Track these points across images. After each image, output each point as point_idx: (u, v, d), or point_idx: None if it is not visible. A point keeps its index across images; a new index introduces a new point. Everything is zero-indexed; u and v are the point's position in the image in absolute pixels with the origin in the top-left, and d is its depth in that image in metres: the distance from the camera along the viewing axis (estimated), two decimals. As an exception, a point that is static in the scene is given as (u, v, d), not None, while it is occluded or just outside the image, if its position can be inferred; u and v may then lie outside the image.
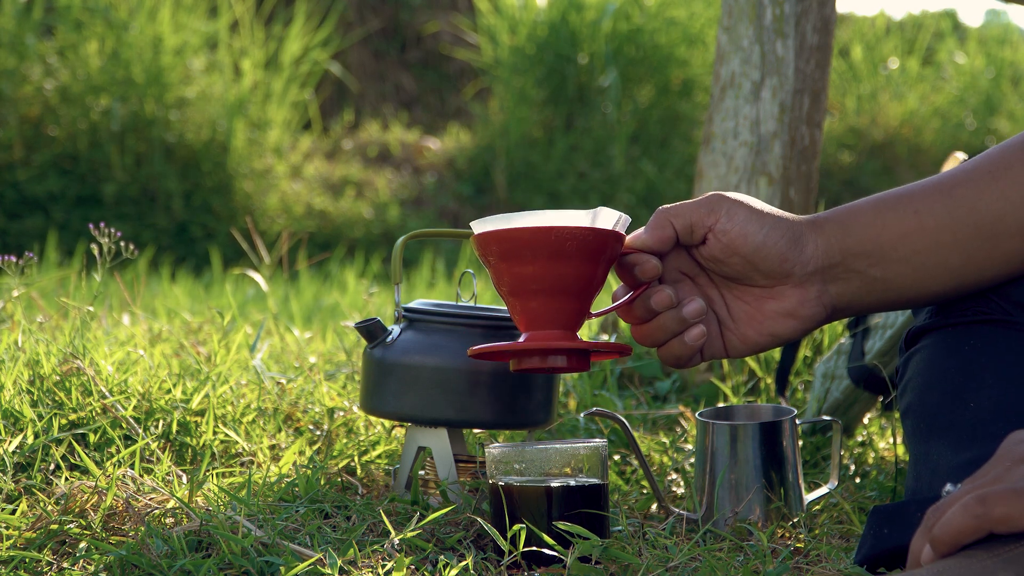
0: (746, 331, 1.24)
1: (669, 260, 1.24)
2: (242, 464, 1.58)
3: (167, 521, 1.28)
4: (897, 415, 1.75)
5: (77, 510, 1.28)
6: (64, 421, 1.54)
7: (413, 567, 1.17)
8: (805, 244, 1.21)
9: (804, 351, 2.00)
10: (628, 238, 1.22)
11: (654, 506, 1.48)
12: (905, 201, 1.21)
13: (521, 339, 1.22)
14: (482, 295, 3.74)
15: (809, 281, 1.22)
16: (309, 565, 1.12)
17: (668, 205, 1.22)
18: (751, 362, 2.00)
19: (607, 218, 1.20)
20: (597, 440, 1.24)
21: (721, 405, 1.57)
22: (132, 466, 1.45)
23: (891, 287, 1.21)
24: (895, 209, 1.21)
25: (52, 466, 1.45)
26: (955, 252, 1.20)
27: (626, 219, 1.22)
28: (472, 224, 1.22)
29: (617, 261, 1.22)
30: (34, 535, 1.23)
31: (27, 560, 1.17)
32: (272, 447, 1.63)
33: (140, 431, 1.55)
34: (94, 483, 1.30)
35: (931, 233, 1.20)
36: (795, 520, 1.41)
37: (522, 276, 1.19)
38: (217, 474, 1.48)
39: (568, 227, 1.18)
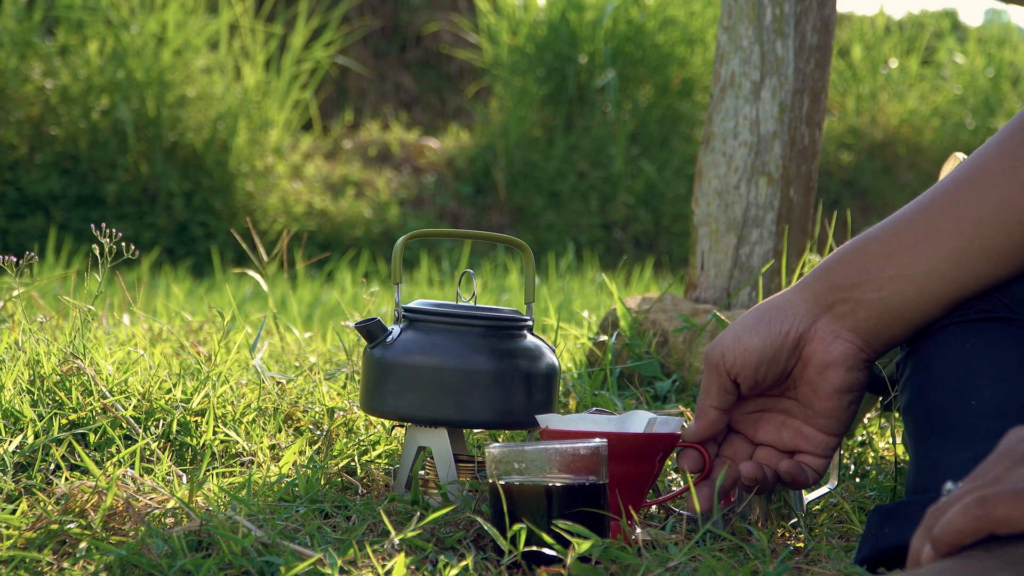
0: (817, 407, 1.29)
1: (734, 412, 1.34)
2: (242, 464, 1.58)
3: (167, 521, 1.28)
4: (897, 415, 1.75)
5: (77, 510, 1.28)
6: (64, 421, 1.54)
7: (413, 567, 1.17)
8: (786, 312, 1.27)
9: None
10: (684, 432, 1.34)
11: (654, 506, 1.48)
12: (887, 227, 1.26)
13: None
14: (482, 295, 3.74)
15: (816, 331, 1.27)
16: (309, 565, 1.12)
17: (701, 392, 1.32)
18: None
19: (662, 423, 1.35)
20: (597, 440, 1.24)
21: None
22: (132, 466, 1.45)
23: (897, 305, 1.24)
24: (876, 238, 1.26)
25: (52, 466, 1.45)
26: (943, 259, 1.23)
27: (678, 421, 1.36)
28: (539, 418, 1.39)
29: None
30: (34, 535, 1.23)
31: (27, 560, 1.18)
32: (272, 447, 1.63)
33: (140, 431, 1.55)
34: (94, 483, 1.30)
35: (914, 246, 1.24)
36: (795, 520, 1.41)
37: None
38: (217, 474, 1.48)
39: (614, 434, 1.32)
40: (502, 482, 1.23)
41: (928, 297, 1.24)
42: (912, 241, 1.23)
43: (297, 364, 2.12)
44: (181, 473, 1.47)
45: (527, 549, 1.19)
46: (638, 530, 1.34)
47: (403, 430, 1.62)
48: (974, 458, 1.09)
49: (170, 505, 1.30)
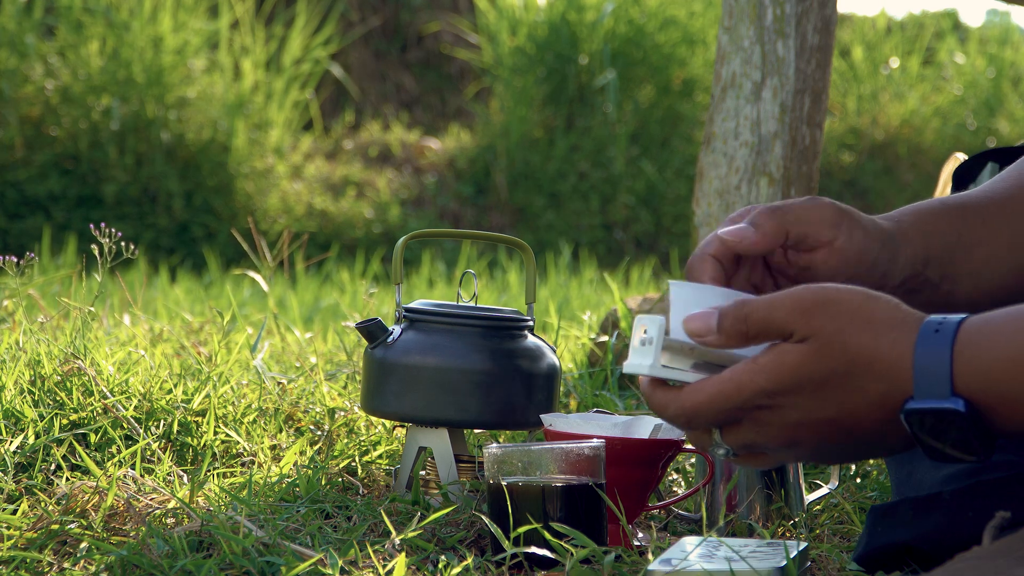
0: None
1: (743, 271, 1.12)
2: (243, 464, 1.58)
3: (168, 521, 1.28)
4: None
5: (78, 510, 1.28)
6: (65, 421, 1.54)
7: (414, 567, 1.17)
8: (898, 257, 1.12)
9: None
10: (731, 234, 1.09)
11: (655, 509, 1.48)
12: (971, 211, 1.14)
13: None
14: (482, 295, 3.74)
15: (892, 293, 1.11)
16: (310, 565, 1.12)
17: (779, 204, 1.10)
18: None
19: (667, 429, 1.36)
20: (597, 440, 1.24)
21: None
22: (133, 466, 1.45)
23: (951, 302, 1.13)
24: (964, 219, 1.14)
25: (53, 466, 1.45)
26: (1013, 270, 1.14)
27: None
28: (544, 418, 1.38)
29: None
30: (35, 535, 1.23)
31: (28, 560, 1.18)
32: (273, 447, 1.63)
33: (141, 431, 1.55)
34: (95, 483, 1.30)
35: (994, 247, 1.14)
36: (796, 520, 1.41)
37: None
38: (218, 474, 1.48)
39: (617, 439, 1.32)
40: (503, 482, 1.23)
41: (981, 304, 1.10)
42: (999, 240, 1.14)
43: (298, 364, 2.12)
44: (182, 473, 1.47)
45: (527, 550, 1.19)
46: (640, 534, 1.34)
47: (404, 430, 1.62)
48: (955, 475, 1.11)
49: (171, 505, 1.30)
